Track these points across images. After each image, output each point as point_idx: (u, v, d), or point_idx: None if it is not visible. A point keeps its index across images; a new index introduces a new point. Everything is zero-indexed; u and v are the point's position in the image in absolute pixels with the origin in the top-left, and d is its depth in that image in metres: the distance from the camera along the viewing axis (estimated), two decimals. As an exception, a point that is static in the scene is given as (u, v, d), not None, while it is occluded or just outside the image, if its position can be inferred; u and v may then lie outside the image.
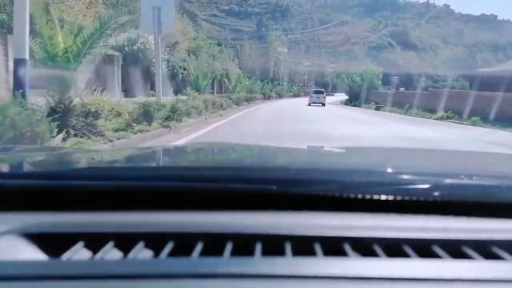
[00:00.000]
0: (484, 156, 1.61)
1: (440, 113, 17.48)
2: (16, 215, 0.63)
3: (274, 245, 0.55)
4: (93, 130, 5.76)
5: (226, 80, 29.78)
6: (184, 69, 23.12)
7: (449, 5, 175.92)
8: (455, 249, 0.55)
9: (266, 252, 0.53)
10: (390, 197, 0.66)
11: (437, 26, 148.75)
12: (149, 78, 17.49)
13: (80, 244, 0.55)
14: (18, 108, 4.19)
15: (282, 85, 57.49)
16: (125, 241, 0.56)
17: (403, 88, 41.93)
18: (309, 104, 28.49)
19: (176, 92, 18.98)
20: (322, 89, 34.60)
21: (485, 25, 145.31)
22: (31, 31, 5.27)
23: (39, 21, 5.81)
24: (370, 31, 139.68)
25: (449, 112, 16.87)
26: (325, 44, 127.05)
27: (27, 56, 5.01)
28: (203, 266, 0.48)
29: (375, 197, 0.66)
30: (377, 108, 25.91)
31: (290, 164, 1.06)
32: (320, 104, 28.31)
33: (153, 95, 11.37)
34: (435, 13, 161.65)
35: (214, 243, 0.55)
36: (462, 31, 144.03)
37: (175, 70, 22.63)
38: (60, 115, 5.22)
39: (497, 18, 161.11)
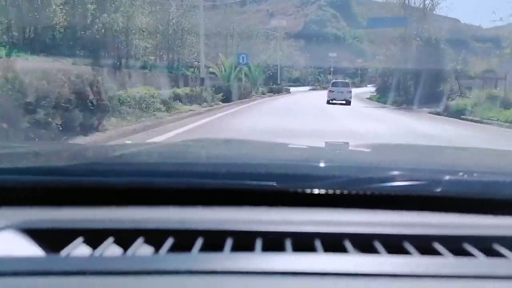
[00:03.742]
0: (485, 152, 1.55)
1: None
2: (14, 211, 0.62)
3: (274, 241, 0.54)
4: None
5: None
6: None
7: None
8: (456, 246, 0.55)
9: (267, 248, 0.53)
10: (391, 193, 0.65)
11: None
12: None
13: (79, 240, 0.54)
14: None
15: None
16: (124, 237, 0.55)
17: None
18: (328, 102, 20.83)
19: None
20: (347, 80, 27.02)
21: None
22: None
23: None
24: (299, 6, 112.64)
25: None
26: (239, 24, 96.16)
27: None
28: (203, 262, 0.47)
29: (375, 193, 0.65)
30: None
31: (290, 160, 1.02)
32: (344, 102, 20.52)
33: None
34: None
35: (214, 239, 0.54)
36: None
37: None
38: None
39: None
